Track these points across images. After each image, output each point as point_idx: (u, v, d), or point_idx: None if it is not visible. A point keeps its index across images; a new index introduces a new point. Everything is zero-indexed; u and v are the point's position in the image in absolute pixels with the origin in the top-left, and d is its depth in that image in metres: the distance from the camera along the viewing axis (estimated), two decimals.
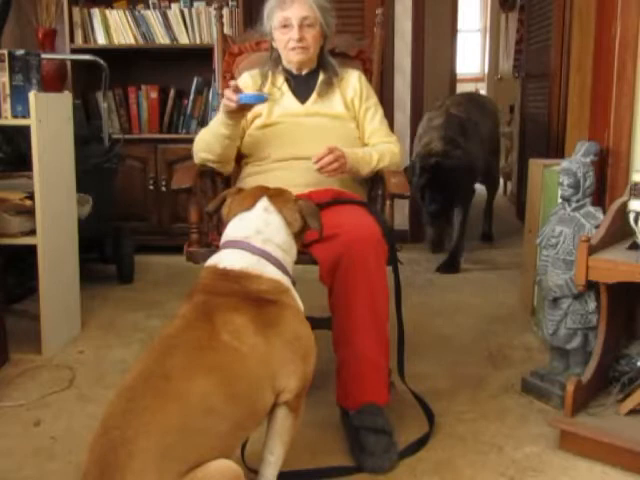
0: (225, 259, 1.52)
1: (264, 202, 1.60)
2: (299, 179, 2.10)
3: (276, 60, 2.34)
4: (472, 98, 4.32)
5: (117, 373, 2.38)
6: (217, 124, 2.13)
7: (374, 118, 2.31)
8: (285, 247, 1.58)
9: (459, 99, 4.13)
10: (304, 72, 2.32)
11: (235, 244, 1.54)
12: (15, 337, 2.54)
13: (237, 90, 2.00)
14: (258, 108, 2.22)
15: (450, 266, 3.70)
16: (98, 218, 3.17)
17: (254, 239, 1.54)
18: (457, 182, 3.58)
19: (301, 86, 2.31)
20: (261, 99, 2.04)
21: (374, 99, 2.35)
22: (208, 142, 2.17)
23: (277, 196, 1.62)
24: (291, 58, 2.27)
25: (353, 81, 2.33)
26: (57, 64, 3.81)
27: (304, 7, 2.21)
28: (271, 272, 1.52)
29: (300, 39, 2.21)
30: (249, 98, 2.00)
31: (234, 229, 1.58)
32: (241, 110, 2.04)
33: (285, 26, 2.22)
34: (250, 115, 2.26)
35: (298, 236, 1.64)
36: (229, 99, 1.99)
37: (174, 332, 1.41)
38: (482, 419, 2.06)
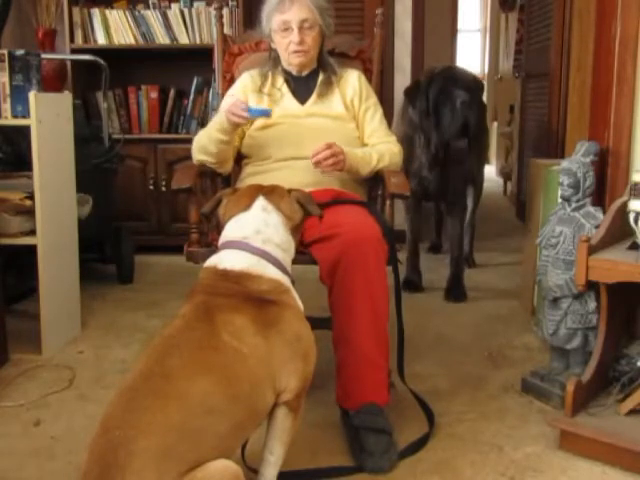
0: (225, 260, 1.52)
1: (262, 201, 1.60)
2: (299, 179, 2.09)
3: (275, 60, 2.34)
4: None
5: (117, 373, 2.38)
6: (214, 130, 2.13)
7: (374, 118, 2.31)
8: (284, 246, 1.58)
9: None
10: (304, 73, 2.32)
11: (234, 245, 1.54)
12: (15, 337, 2.54)
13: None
14: None
15: (456, 292, 3.28)
16: (98, 218, 3.17)
17: (253, 239, 1.54)
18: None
19: (301, 87, 2.31)
20: (267, 113, 2.07)
21: (374, 99, 2.35)
22: (204, 145, 2.17)
23: (272, 193, 1.62)
24: (292, 61, 2.27)
25: (353, 81, 2.33)
26: (57, 64, 3.81)
27: (303, 10, 2.20)
28: (271, 272, 1.52)
29: (300, 42, 2.20)
30: (257, 112, 2.03)
31: (233, 230, 1.58)
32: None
33: (285, 29, 2.21)
34: None
35: (296, 231, 1.65)
36: (238, 115, 2.00)
37: (174, 332, 1.41)
38: (482, 419, 2.06)
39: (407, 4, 4.18)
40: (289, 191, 1.65)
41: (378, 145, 2.25)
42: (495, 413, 2.10)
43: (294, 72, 2.32)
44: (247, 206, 1.59)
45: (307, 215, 1.66)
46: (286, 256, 1.59)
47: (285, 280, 1.55)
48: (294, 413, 1.53)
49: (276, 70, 2.33)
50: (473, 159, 3.46)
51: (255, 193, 1.62)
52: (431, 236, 4.19)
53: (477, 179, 3.80)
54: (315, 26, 2.22)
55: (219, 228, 1.69)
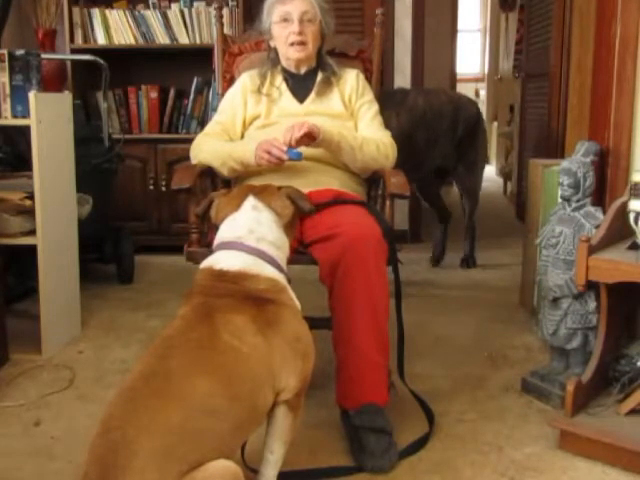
0: (221, 260, 1.52)
1: (251, 200, 1.60)
2: (298, 179, 2.09)
3: (274, 60, 2.34)
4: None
5: (117, 373, 2.38)
6: (229, 159, 2.15)
7: (367, 113, 2.30)
8: (278, 243, 1.59)
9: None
10: (302, 71, 2.32)
11: (229, 245, 1.55)
12: (15, 337, 2.53)
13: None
14: (257, 110, 2.27)
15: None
16: (98, 218, 3.16)
17: (247, 239, 1.54)
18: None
19: (299, 86, 2.31)
20: (300, 157, 2.05)
21: (370, 96, 2.35)
22: (210, 162, 2.19)
23: (262, 192, 1.63)
24: (290, 54, 2.27)
25: (351, 79, 2.33)
26: (57, 64, 3.81)
27: (305, 2, 2.23)
28: (268, 271, 1.52)
29: (300, 33, 2.21)
30: (293, 154, 2.02)
31: (226, 230, 1.59)
32: None
33: (285, 20, 2.22)
34: (249, 117, 2.27)
35: (290, 229, 1.65)
36: (276, 157, 2.01)
37: (174, 333, 1.41)
38: (482, 419, 2.06)
39: (407, 4, 4.19)
40: (279, 188, 1.66)
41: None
42: (495, 413, 2.10)
43: (292, 69, 2.32)
44: (238, 206, 1.60)
45: (300, 212, 1.67)
46: (281, 254, 1.59)
47: (281, 279, 1.55)
48: (294, 412, 1.53)
49: (275, 69, 2.34)
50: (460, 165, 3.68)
51: (245, 193, 1.63)
52: (435, 242, 4.14)
53: (470, 191, 3.82)
54: (315, 20, 2.24)
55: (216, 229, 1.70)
